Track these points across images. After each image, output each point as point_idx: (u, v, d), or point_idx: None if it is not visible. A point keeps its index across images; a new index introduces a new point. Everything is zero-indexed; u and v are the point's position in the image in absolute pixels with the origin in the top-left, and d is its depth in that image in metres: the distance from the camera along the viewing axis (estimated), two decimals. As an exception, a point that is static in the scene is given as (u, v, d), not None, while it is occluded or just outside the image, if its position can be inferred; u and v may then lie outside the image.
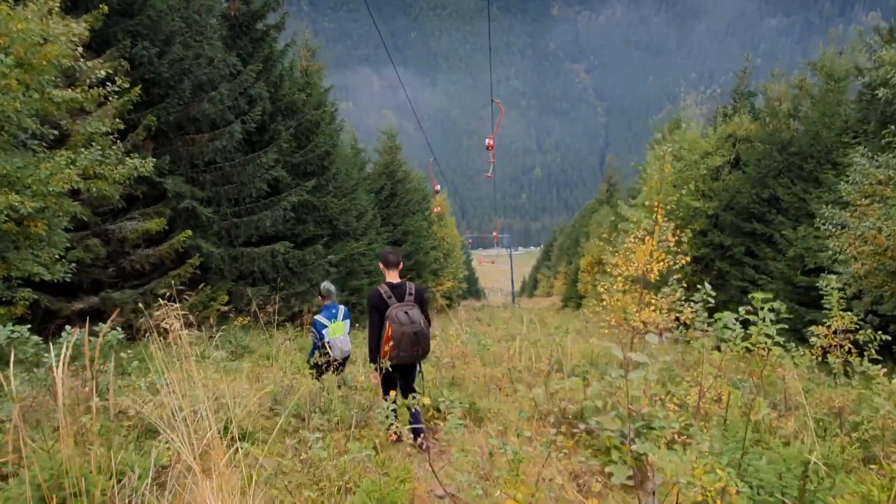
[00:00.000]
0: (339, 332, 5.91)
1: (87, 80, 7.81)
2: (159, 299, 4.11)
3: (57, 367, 2.86)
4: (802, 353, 5.81)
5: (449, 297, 39.50)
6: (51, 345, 3.42)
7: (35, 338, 4.40)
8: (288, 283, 14.65)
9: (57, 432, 3.84)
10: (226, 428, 3.86)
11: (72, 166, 7.05)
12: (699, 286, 7.22)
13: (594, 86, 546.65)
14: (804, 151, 18.20)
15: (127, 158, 8.33)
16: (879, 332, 6.71)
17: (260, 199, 14.03)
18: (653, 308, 6.70)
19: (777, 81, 21.90)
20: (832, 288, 7.07)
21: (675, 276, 6.93)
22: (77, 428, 3.65)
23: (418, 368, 5.11)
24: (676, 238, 6.96)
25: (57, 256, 7.88)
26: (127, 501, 2.84)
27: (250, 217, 13.56)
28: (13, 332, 4.24)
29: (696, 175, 20.57)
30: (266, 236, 14.37)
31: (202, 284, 11.45)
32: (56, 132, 7.44)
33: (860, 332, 7.16)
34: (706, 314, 5.41)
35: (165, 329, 3.58)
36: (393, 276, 4.94)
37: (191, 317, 3.97)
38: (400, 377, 4.98)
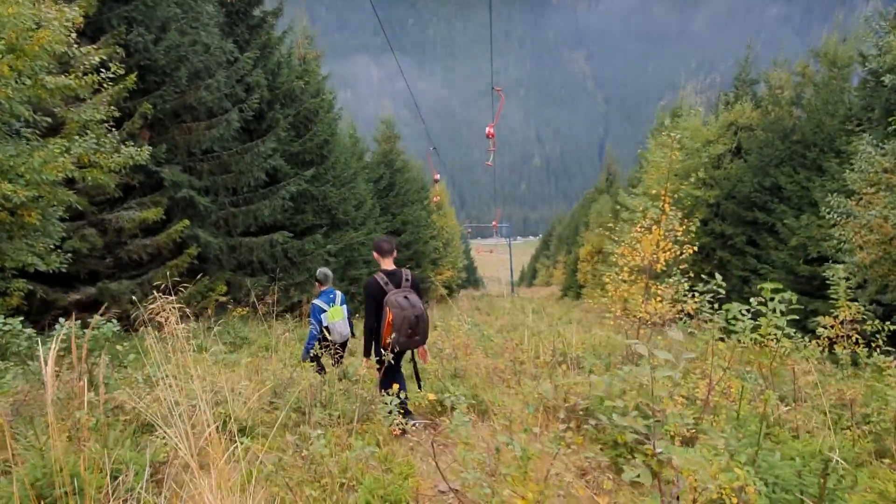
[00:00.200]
0: (337, 317, 5.89)
1: (81, 67, 7.64)
2: (156, 290, 3.99)
3: (47, 361, 2.74)
4: (805, 343, 5.71)
5: (449, 286, 39.42)
6: (39, 339, 3.31)
7: (28, 330, 4.29)
8: (287, 274, 14.54)
9: (57, 424, 3.75)
10: (224, 423, 3.76)
11: (66, 155, 6.92)
12: (702, 276, 7.13)
13: (593, 74, 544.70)
14: (807, 139, 18.05)
15: (122, 147, 8.19)
16: (887, 323, 6.62)
17: (258, 189, 13.89)
18: (659, 299, 6.59)
19: (779, 69, 21.69)
20: (839, 278, 6.97)
21: (682, 267, 6.82)
22: (71, 423, 3.55)
23: (411, 357, 5.16)
24: (684, 227, 6.85)
25: (52, 246, 7.76)
26: (122, 500, 2.74)
27: (248, 206, 13.42)
28: (5, 324, 4.13)
29: (699, 164, 20.42)
30: (264, 226, 14.24)
31: (200, 275, 11.33)
32: (49, 120, 7.28)
33: (867, 322, 7.08)
34: (715, 305, 5.31)
35: (160, 323, 3.47)
36: (388, 264, 4.99)
37: (187, 309, 3.86)
38: (394, 363, 5.00)
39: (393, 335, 4.62)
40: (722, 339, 4.61)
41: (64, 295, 9.64)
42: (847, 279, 7.19)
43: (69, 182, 8.15)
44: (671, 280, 6.93)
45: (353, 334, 6.27)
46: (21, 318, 4.40)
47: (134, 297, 3.73)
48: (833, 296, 7.24)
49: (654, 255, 6.61)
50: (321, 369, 5.75)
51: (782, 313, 4.49)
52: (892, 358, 5.50)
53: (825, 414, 5.12)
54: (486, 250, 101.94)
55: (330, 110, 18.98)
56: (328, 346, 5.72)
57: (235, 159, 12.89)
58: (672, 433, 2.67)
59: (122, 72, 8.08)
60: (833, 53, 18.56)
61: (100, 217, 10.26)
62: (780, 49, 22.67)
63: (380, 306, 4.73)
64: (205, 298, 11.65)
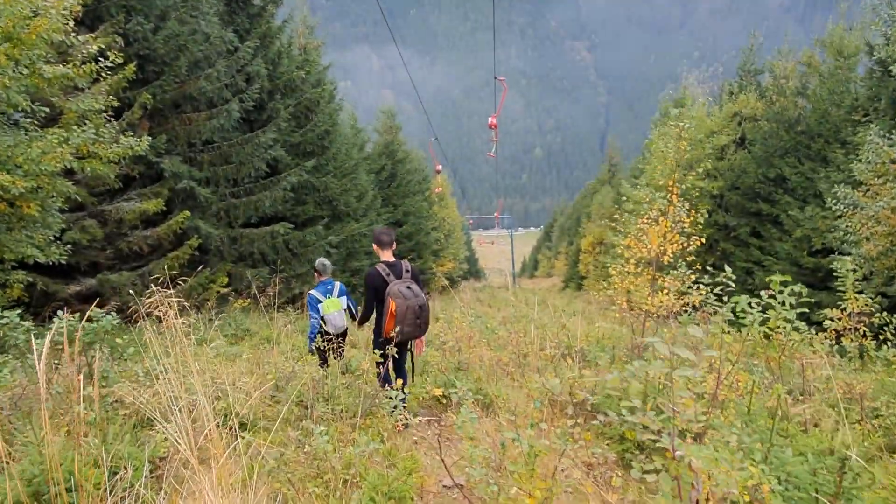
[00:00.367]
0: (333, 308, 5.86)
1: (80, 56, 7.54)
2: (153, 283, 3.92)
3: (41, 355, 2.68)
4: (812, 336, 5.64)
5: (450, 278, 39.35)
6: (38, 332, 3.25)
7: (26, 323, 4.23)
8: (288, 265, 14.47)
9: (51, 421, 3.68)
10: (225, 418, 3.70)
11: (64, 145, 6.83)
12: (707, 268, 7.05)
13: (595, 64, 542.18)
14: (812, 130, 17.89)
15: (122, 137, 8.10)
16: (895, 315, 6.55)
17: (259, 180, 13.79)
18: (665, 291, 6.51)
19: (784, 59, 21.49)
20: (847, 269, 6.89)
21: (689, 259, 6.74)
22: (70, 417, 3.49)
23: (409, 346, 5.17)
24: (692, 219, 6.75)
25: (52, 238, 7.70)
26: (120, 497, 2.68)
27: (249, 197, 13.33)
28: (2, 317, 4.06)
29: (702, 155, 20.27)
30: (265, 217, 14.15)
31: (201, 266, 11.27)
32: (47, 110, 7.19)
33: (875, 315, 7.00)
34: (725, 298, 5.22)
35: (158, 317, 3.40)
36: (387, 256, 5.02)
37: (186, 303, 3.79)
38: (397, 355, 5.01)
39: (397, 326, 4.61)
40: (727, 332, 4.55)
41: (64, 286, 9.58)
42: (853, 271, 7.12)
43: (68, 173, 8.07)
44: (675, 272, 6.85)
45: (359, 322, 6.21)
46: (19, 311, 4.33)
47: (132, 290, 3.66)
48: (840, 288, 7.17)
49: (661, 247, 6.52)
50: (324, 362, 5.69)
51: (791, 306, 4.42)
52: (902, 351, 5.42)
53: (832, 408, 5.07)
54: (488, 241, 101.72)
55: (331, 100, 18.84)
56: (329, 338, 5.69)
57: (236, 150, 12.79)
58: (682, 429, 2.60)
59: (120, 60, 7.97)
60: (839, 43, 18.34)
61: (100, 208, 10.19)
62: (783, 38, 22.45)
63: (381, 296, 4.76)
64: (206, 290, 11.60)
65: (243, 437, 3.50)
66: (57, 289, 9.44)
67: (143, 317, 3.45)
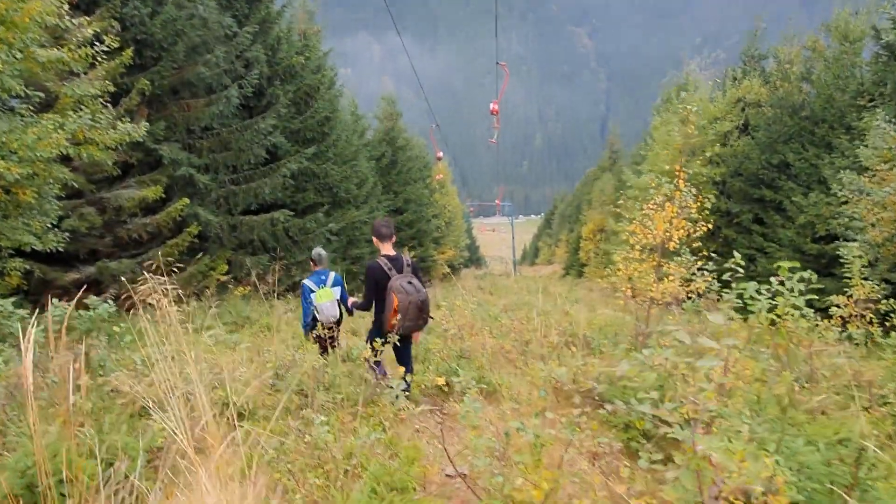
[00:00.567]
0: (325, 299, 5.86)
1: (74, 40, 7.42)
2: (145, 271, 3.83)
3: (26, 345, 2.60)
4: (817, 322, 5.57)
5: (451, 265, 39.28)
6: (34, 321, 3.17)
7: (21, 311, 4.15)
8: (288, 253, 14.39)
9: (47, 410, 3.62)
10: (224, 407, 3.63)
11: (60, 131, 6.72)
12: (710, 255, 6.97)
13: (596, 50, 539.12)
14: (816, 115, 17.70)
15: (119, 123, 7.99)
16: (903, 302, 6.48)
17: (258, 166, 13.68)
18: (671, 278, 6.43)
19: (788, 43, 21.22)
20: (854, 256, 6.81)
21: (695, 245, 6.65)
22: (66, 407, 3.42)
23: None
24: (699, 204, 6.65)
25: (49, 225, 7.61)
26: (114, 490, 2.61)
27: (249, 184, 13.23)
28: (-4, 305, 3.99)
29: (705, 141, 20.09)
30: (265, 204, 14.06)
31: (200, 254, 11.19)
32: (42, 95, 7.08)
33: (881, 301, 6.93)
34: (733, 284, 5.14)
35: (151, 305, 3.32)
36: (387, 249, 4.98)
37: (180, 291, 3.71)
38: (402, 346, 5.04)
39: (399, 320, 4.62)
40: (732, 319, 4.47)
41: (63, 274, 9.52)
42: (859, 257, 7.03)
43: (65, 159, 7.98)
44: (678, 259, 6.76)
45: (350, 312, 6.18)
46: (13, 300, 4.26)
47: (123, 278, 3.60)
48: (847, 274, 7.09)
49: (667, 233, 6.43)
50: (324, 350, 5.64)
51: (801, 293, 4.34)
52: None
53: (838, 395, 5.00)
54: (489, 229, 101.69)
55: (331, 87, 18.65)
56: (324, 327, 5.70)
57: (235, 136, 12.68)
58: (688, 417, 2.53)
59: (116, 44, 7.84)
60: (844, 27, 18.09)
61: (98, 195, 10.11)
62: (787, 23, 22.18)
63: (382, 291, 4.74)
64: (206, 278, 11.54)
65: (241, 426, 3.43)
66: (55, 276, 9.38)
67: (135, 304, 3.38)
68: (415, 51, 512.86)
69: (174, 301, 3.39)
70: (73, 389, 3.55)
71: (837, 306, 6.79)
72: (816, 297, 4.51)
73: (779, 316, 4.54)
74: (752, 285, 4.40)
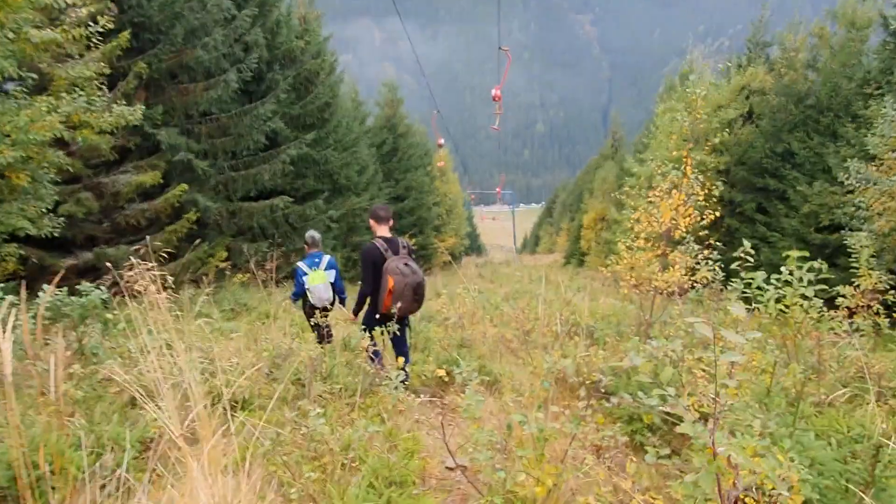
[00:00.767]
0: (318, 281, 5.89)
1: (68, 20, 7.26)
2: (137, 257, 3.72)
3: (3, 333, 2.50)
4: (822, 311, 5.47)
5: (452, 253, 39.14)
6: (16, 308, 3.07)
7: (10, 297, 4.04)
8: (288, 239, 14.28)
9: (40, 398, 3.52)
10: (218, 396, 3.53)
11: (53, 113, 6.59)
12: (717, 244, 6.86)
13: (599, 38, 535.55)
14: (822, 104, 17.50)
15: (114, 106, 7.85)
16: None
17: (258, 152, 13.53)
18: (677, 267, 6.32)
19: (794, 31, 20.95)
20: (862, 246, 6.71)
21: (703, 234, 6.53)
22: (55, 397, 3.33)
23: (407, 322, 5.17)
24: (707, 191, 6.52)
25: (44, 210, 7.50)
26: (100, 485, 2.52)
27: (248, 171, 13.09)
28: (-15, 291, 3.88)
29: (709, 129, 19.89)
30: (265, 191, 13.93)
31: (199, 240, 11.09)
32: (35, 76, 6.93)
33: (889, 292, 6.83)
34: (731, 274, 5.04)
35: (139, 293, 3.22)
36: (384, 232, 4.98)
37: (169, 277, 3.60)
38: (398, 334, 4.97)
39: (397, 303, 4.58)
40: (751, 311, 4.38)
41: (60, 260, 9.42)
42: (866, 247, 6.93)
43: (62, 144, 7.85)
44: (683, 248, 6.65)
45: (343, 302, 6.15)
46: (2, 285, 4.16)
47: (108, 263, 3.51)
48: (854, 264, 6.99)
49: (674, 221, 6.31)
50: (321, 339, 5.56)
51: (810, 282, 4.24)
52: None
53: (848, 387, 4.91)
54: (489, 217, 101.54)
55: (331, 72, 18.42)
56: (315, 309, 5.66)
57: (234, 121, 12.53)
58: (705, 415, 2.43)
59: (111, 26, 7.68)
60: (851, 14, 17.83)
61: (95, 180, 10.00)
62: (792, 10, 21.90)
63: (379, 272, 4.72)
64: (204, 265, 11.44)
65: (235, 416, 3.34)
66: (52, 262, 9.28)
67: (123, 291, 3.27)
68: (416, 37, 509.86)
69: (163, 288, 3.28)
70: (62, 378, 3.45)
71: (843, 296, 6.68)
72: (826, 287, 4.42)
73: (787, 306, 4.45)
74: (761, 275, 4.30)
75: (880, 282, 6.86)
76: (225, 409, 2.88)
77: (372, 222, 5.03)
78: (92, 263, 9.69)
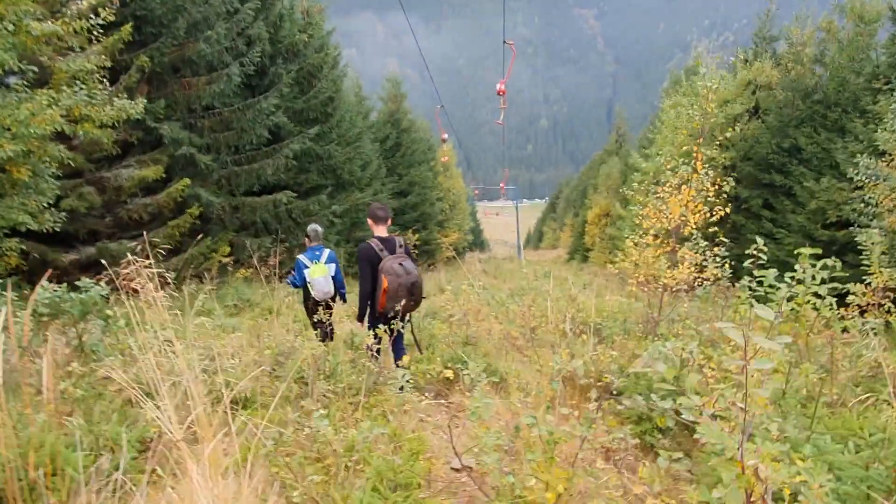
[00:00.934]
0: (319, 274, 5.86)
1: (69, 12, 7.19)
2: (134, 253, 3.65)
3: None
4: (832, 308, 5.37)
5: (455, 249, 39.05)
6: (3, 307, 3.00)
7: (7, 294, 3.98)
8: (291, 235, 14.22)
9: (38, 397, 3.46)
10: (219, 396, 3.46)
11: (54, 107, 6.52)
12: (724, 240, 6.78)
13: (603, 33, 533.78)
14: (829, 99, 17.33)
15: (115, 99, 7.78)
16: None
17: (261, 147, 13.45)
18: (686, 264, 6.23)
19: (801, 25, 20.75)
20: (873, 243, 6.61)
21: (712, 230, 6.44)
22: (54, 395, 3.26)
23: (408, 318, 5.15)
24: (717, 187, 6.43)
25: (45, 205, 7.44)
26: (96, 489, 2.45)
27: (251, 165, 13.02)
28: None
29: (715, 124, 19.73)
30: (268, 186, 13.86)
31: (201, 235, 11.03)
32: (36, 69, 6.86)
33: (901, 289, 6.74)
34: (738, 271, 4.95)
35: (135, 290, 3.15)
36: (381, 231, 4.96)
37: (168, 274, 3.53)
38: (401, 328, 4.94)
39: (390, 302, 4.59)
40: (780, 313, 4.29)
41: (62, 255, 9.38)
42: (878, 244, 6.83)
43: (64, 138, 7.79)
44: (690, 245, 6.56)
45: (343, 299, 6.11)
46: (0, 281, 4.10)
47: (103, 261, 3.46)
48: (864, 262, 6.90)
49: (683, 217, 6.22)
50: (324, 337, 5.50)
51: (823, 280, 4.15)
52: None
53: (860, 387, 4.82)
54: (493, 213, 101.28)
55: (334, 67, 18.30)
56: (318, 304, 5.66)
57: (237, 116, 12.45)
58: (734, 424, 2.35)
59: (112, 18, 7.61)
60: (860, 8, 17.63)
61: (98, 175, 9.95)
62: (799, 4, 21.68)
63: (375, 271, 4.72)
64: (207, 260, 11.39)
65: (237, 415, 3.27)
66: (55, 257, 9.23)
67: (119, 288, 3.20)
68: (419, 31, 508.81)
69: (162, 285, 3.21)
70: (59, 376, 3.39)
71: (853, 294, 6.59)
72: (840, 284, 4.34)
73: (799, 305, 4.36)
74: (772, 272, 4.20)
75: (892, 279, 6.76)
76: (226, 408, 2.81)
77: (370, 221, 5.02)
78: (94, 258, 9.63)
